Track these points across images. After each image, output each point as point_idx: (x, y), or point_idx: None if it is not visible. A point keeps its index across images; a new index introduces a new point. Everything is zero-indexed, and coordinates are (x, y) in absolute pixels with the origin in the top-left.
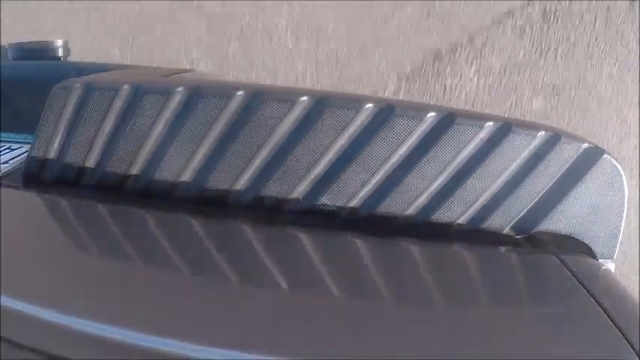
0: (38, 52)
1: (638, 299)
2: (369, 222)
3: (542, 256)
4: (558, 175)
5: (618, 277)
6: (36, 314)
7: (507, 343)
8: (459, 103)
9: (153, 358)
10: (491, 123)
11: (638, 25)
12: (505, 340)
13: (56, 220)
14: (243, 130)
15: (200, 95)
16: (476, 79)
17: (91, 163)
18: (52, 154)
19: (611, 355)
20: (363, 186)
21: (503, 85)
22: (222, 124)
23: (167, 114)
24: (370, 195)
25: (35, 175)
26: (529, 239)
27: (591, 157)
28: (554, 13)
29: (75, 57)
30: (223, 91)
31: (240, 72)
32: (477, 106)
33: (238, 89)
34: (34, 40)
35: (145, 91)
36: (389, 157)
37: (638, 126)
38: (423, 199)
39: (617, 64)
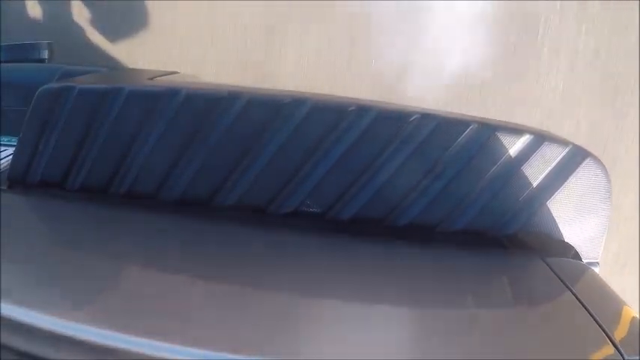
0: (23, 53)
1: (622, 301)
2: (354, 224)
3: (528, 258)
4: (542, 177)
5: (603, 279)
6: (22, 317)
7: (492, 345)
8: None
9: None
10: (474, 125)
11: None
12: (490, 341)
13: (41, 222)
14: (228, 132)
15: (185, 98)
16: None
17: (75, 165)
18: (37, 156)
19: (597, 357)
20: (347, 188)
21: None
22: (208, 127)
23: (152, 116)
24: (354, 198)
25: (20, 178)
26: (514, 240)
27: (575, 159)
28: None
29: None
30: (208, 94)
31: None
32: None
33: (223, 92)
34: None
35: (129, 93)
36: (373, 160)
37: None
38: (407, 201)
39: None
